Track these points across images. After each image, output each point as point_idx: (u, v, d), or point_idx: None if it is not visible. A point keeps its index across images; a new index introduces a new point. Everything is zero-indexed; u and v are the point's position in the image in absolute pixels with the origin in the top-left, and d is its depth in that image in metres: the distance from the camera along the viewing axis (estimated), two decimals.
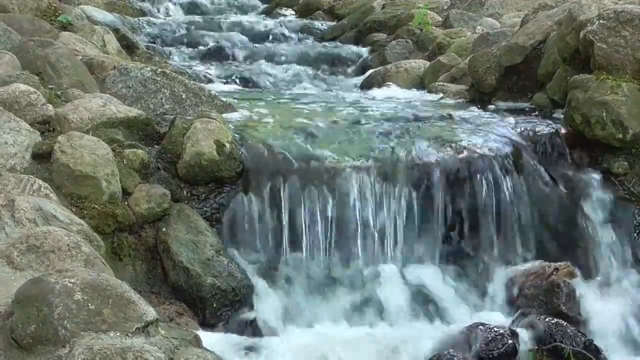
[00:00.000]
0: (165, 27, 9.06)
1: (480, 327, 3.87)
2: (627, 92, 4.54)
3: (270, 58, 8.30)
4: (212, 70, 7.60)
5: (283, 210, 4.23)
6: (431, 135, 4.70)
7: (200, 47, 8.50)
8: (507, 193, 4.49)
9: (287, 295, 4.09)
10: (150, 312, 2.70)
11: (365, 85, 7.16)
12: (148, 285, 3.96)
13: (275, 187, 4.26)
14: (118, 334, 2.57)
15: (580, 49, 4.91)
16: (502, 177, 4.51)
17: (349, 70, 8.32)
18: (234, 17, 10.50)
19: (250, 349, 3.69)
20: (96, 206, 3.89)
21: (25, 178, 3.70)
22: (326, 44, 9.06)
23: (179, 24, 9.37)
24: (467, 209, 4.46)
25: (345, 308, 4.11)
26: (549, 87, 5.30)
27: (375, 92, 6.57)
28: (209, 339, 3.41)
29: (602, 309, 4.21)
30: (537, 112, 5.27)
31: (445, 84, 6.42)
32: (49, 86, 4.71)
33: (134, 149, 4.23)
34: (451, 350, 3.76)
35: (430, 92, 6.37)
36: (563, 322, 3.97)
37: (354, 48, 8.73)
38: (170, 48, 8.38)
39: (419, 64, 7.14)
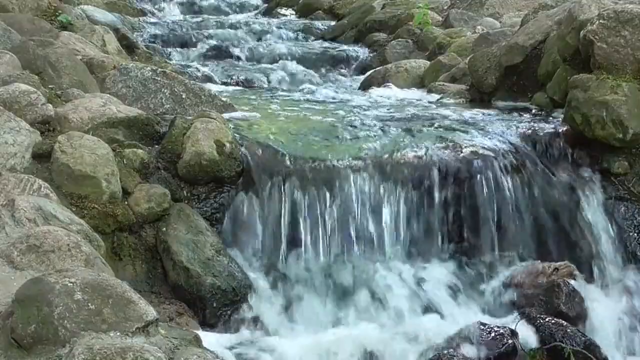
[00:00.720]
0: (165, 27, 9.06)
1: (480, 326, 3.87)
2: (627, 91, 4.53)
3: (270, 58, 8.31)
4: (212, 70, 7.60)
5: (283, 210, 4.23)
6: (431, 135, 4.70)
7: (201, 47, 8.50)
8: (507, 193, 4.49)
9: (287, 295, 4.09)
10: (150, 312, 2.70)
11: (365, 85, 7.16)
12: (148, 285, 3.96)
13: (275, 187, 4.25)
14: (118, 333, 2.57)
15: (581, 49, 4.91)
16: (502, 176, 4.51)
17: (349, 70, 8.32)
18: (234, 17, 10.52)
19: (250, 348, 3.69)
20: (96, 206, 3.89)
21: (25, 178, 3.70)
22: (326, 43, 9.07)
23: (179, 23, 9.38)
24: (467, 209, 4.46)
25: (345, 307, 4.11)
26: (549, 86, 5.30)
27: (375, 91, 6.57)
28: (209, 338, 3.41)
29: (602, 308, 4.21)
30: (537, 112, 5.28)
31: (445, 83, 6.42)
32: (49, 86, 4.71)
33: (134, 149, 4.23)
34: (451, 350, 3.76)
35: (430, 91, 6.37)
36: (563, 321, 3.97)
37: (354, 48, 8.74)
38: (170, 48, 8.39)
39: (419, 64, 7.15)
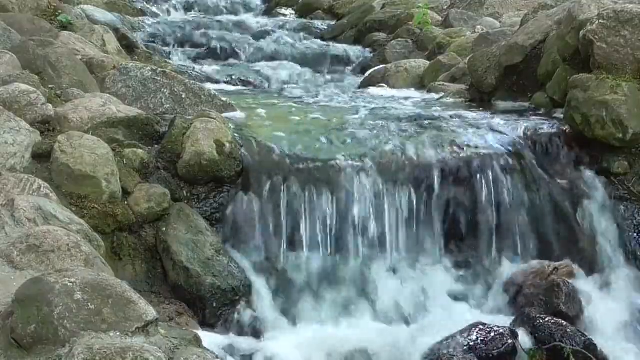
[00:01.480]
0: (165, 27, 9.06)
1: (480, 326, 3.87)
2: (627, 91, 4.54)
3: (270, 57, 8.31)
4: (212, 69, 7.60)
5: (283, 210, 4.23)
6: (431, 135, 4.70)
7: (200, 47, 8.50)
8: (507, 192, 4.49)
9: (287, 295, 4.09)
10: (150, 312, 2.70)
11: (365, 85, 7.16)
12: (148, 284, 3.96)
13: (275, 187, 4.26)
14: (118, 333, 2.57)
15: (580, 49, 4.91)
16: (502, 176, 4.51)
17: (349, 69, 8.33)
18: (234, 17, 10.51)
19: (250, 348, 3.70)
20: (96, 206, 3.89)
21: (25, 178, 3.70)
22: (326, 43, 9.07)
23: (179, 23, 9.38)
24: (467, 209, 4.46)
25: (345, 307, 4.11)
26: (548, 86, 5.30)
27: (375, 91, 6.57)
28: (209, 338, 3.41)
29: (602, 308, 4.21)
30: (537, 112, 5.27)
31: (445, 83, 6.42)
32: (49, 86, 4.71)
33: (134, 149, 4.23)
34: (451, 350, 3.76)
35: (430, 91, 6.37)
36: (563, 321, 3.97)
37: (353, 48, 8.74)
38: (170, 48, 8.39)
39: (419, 64, 7.15)
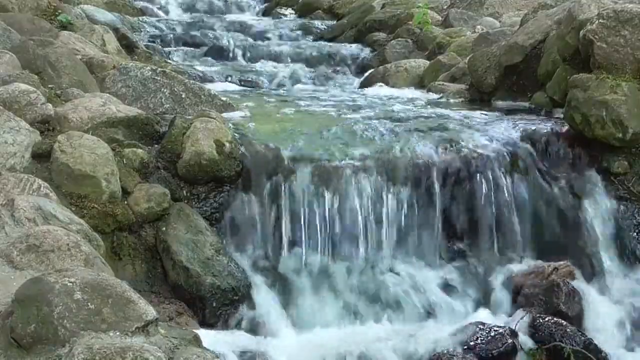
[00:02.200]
0: (165, 27, 9.06)
1: (480, 326, 3.87)
2: (627, 91, 4.53)
3: (270, 57, 8.31)
4: (212, 69, 7.60)
5: (283, 210, 4.23)
6: (431, 135, 4.70)
7: (200, 47, 8.50)
8: (506, 192, 4.49)
9: (286, 295, 4.09)
10: (150, 312, 2.70)
11: (365, 85, 7.16)
12: (148, 284, 3.96)
13: (274, 187, 4.26)
14: (118, 333, 2.56)
15: (580, 49, 4.91)
16: (502, 176, 4.51)
17: (349, 69, 8.32)
18: (234, 17, 10.51)
19: (250, 348, 3.69)
20: (96, 205, 3.89)
21: (25, 177, 3.70)
22: (326, 43, 9.07)
23: (179, 23, 9.38)
24: (466, 209, 4.46)
25: (345, 307, 4.11)
26: (548, 86, 5.30)
27: (375, 91, 6.57)
28: (209, 338, 3.41)
29: (601, 308, 4.21)
30: (536, 112, 5.28)
31: (445, 83, 6.42)
32: (49, 85, 4.71)
33: (134, 149, 4.23)
34: (451, 349, 3.76)
35: (430, 91, 6.37)
36: (563, 321, 3.97)
37: (353, 47, 8.74)
38: (170, 47, 8.38)
39: (418, 64, 7.15)
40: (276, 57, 8.31)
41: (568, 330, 3.91)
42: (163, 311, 3.72)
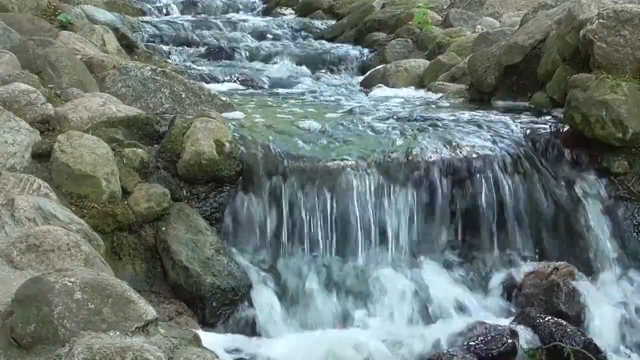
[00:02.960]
0: (165, 26, 9.06)
1: (480, 326, 3.87)
2: (626, 91, 4.53)
3: (270, 57, 8.31)
4: (212, 69, 7.60)
5: (283, 210, 4.23)
6: (431, 135, 4.70)
7: (200, 46, 8.50)
8: (507, 192, 4.49)
9: (286, 295, 4.09)
10: (150, 312, 2.70)
11: (365, 85, 7.16)
12: (148, 284, 3.96)
13: (275, 187, 4.26)
14: (118, 333, 2.56)
15: (580, 48, 4.91)
16: (502, 176, 4.51)
17: (349, 69, 8.32)
18: (234, 16, 10.52)
19: (249, 348, 3.70)
20: (96, 205, 3.89)
21: (25, 177, 3.69)
22: (326, 43, 9.07)
23: (179, 23, 9.38)
24: (467, 209, 4.46)
25: (345, 307, 4.11)
26: (548, 86, 5.30)
27: (375, 91, 6.57)
28: (209, 338, 3.41)
29: (601, 308, 4.21)
30: (536, 112, 5.27)
31: (445, 83, 6.42)
32: (49, 85, 4.71)
33: (134, 148, 4.23)
34: (451, 349, 3.76)
35: (430, 91, 6.37)
36: (563, 321, 3.97)
37: (353, 47, 8.74)
38: (170, 47, 8.38)
39: (418, 63, 7.14)
40: (276, 57, 8.30)
41: (568, 330, 3.90)
42: (163, 311, 3.72)
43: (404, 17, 8.77)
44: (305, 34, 9.58)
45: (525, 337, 3.90)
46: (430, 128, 4.85)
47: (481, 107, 5.54)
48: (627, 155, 4.65)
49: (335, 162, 4.37)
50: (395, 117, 5.13)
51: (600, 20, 4.70)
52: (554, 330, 3.89)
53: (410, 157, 4.47)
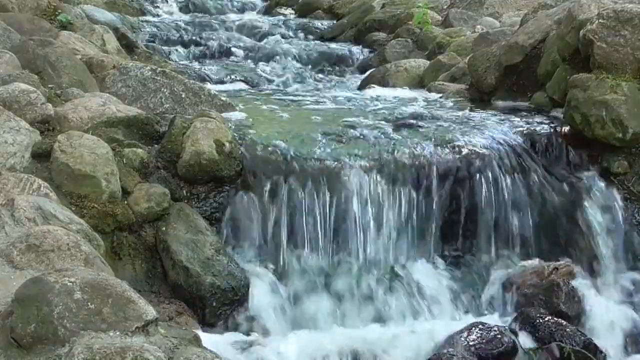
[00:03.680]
0: (165, 26, 9.06)
1: (480, 326, 3.87)
2: (626, 91, 4.54)
3: (270, 57, 8.31)
4: (212, 69, 7.60)
5: (283, 210, 4.23)
6: (431, 135, 4.70)
7: (200, 46, 8.50)
8: (506, 192, 4.49)
9: (286, 295, 4.09)
10: (150, 312, 2.70)
11: (365, 85, 7.16)
12: (148, 284, 3.96)
13: (274, 187, 4.25)
14: (118, 333, 2.57)
15: (580, 48, 4.91)
16: (502, 176, 4.51)
17: (349, 69, 8.32)
18: (234, 16, 10.51)
19: (249, 348, 3.69)
20: (96, 205, 3.89)
21: (25, 177, 3.70)
22: (326, 43, 9.07)
23: (179, 23, 9.38)
24: (466, 209, 4.46)
25: (345, 307, 4.11)
26: (548, 86, 5.30)
27: (375, 91, 6.56)
28: (209, 338, 3.41)
29: (601, 308, 4.21)
30: (536, 112, 5.27)
31: (445, 83, 6.42)
32: (49, 85, 4.71)
33: (134, 148, 4.23)
34: (451, 349, 3.76)
35: (429, 91, 6.36)
36: (562, 321, 3.97)
37: (353, 47, 8.73)
38: (170, 47, 8.38)
39: (418, 63, 7.14)
40: (276, 57, 8.30)
41: (568, 330, 3.91)
42: (163, 311, 3.72)
43: (404, 17, 8.77)
44: (305, 33, 9.58)
45: (525, 337, 3.90)
46: (430, 128, 4.85)
47: (481, 107, 5.53)
48: (627, 155, 4.65)
49: (335, 162, 4.37)
50: (395, 117, 5.14)
51: (600, 20, 4.70)
52: (553, 330, 3.90)
53: (409, 157, 4.47)
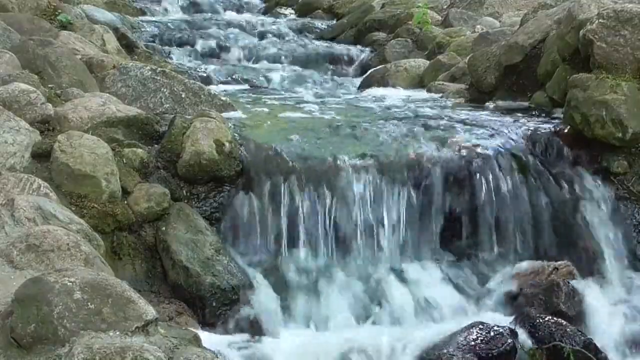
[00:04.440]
0: (164, 26, 9.06)
1: (480, 326, 3.87)
2: (626, 91, 4.54)
3: (270, 57, 8.31)
4: (212, 69, 7.60)
5: (282, 210, 4.23)
6: (431, 135, 4.71)
7: (200, 47, 8.49)
8: (506, 192, 4.49)
9: (286, 294, 4.09)
10: (150, 311, 2.70)
11: (365, 85, 7.16)
12: (147, 284, 3.96)
13: (274, 187, 4.25)
14: (117, 333, 2.57)
15: (580, 48, 4.91)
16: (502, 176, 4.51)
17: (349, 69, 8.32)
18: (234, 16, 10.51)
19: (249, 348, 3.69)
20: (96, 205, 3.89)
21: (25, 177, 3.70)
22: (326, 43, 9.07)
23: (179, 23, 9.38)
24: (466, 209, 4.46)
25: (345, 307, 4.11)
26: (548, 86, 5.30)
27: (375, 91, 6.57)
28: (209, 338, 3.41)
29: (601, 308, 4.21)
30: (536, 112, 5.28)
31: (444, 83, 6.42)
32: (49, 85, 4.72)
33: (134, 148, 4.23)
34: (451, 349, 3.76)
35: (429, 91, 6.37)
36: (562, 321, 3.97)
37: (353, 47, 8.73)
38: (170, 47, 8.38)
39: (418, 63, 7.15)
40: (276, 57, 8.31)
41: (568, 330, 3.90)
42: (163, 311, 3.72)
43: (404, 17, 8.77)
44: (305, 33, 9.58)
45: (525, 337, 3.90)
46: (430, 128, 4.85)
47: (481, 107, 5.53)
48: (627, 155, 4.65)
49: (335, 161, 4.37)
50: (394, 116, 5.14)
51: (600, 20, 4.70)
52: (554, 330, 3.89)
53: (409, 157, 4.47)
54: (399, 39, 8.32)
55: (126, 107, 4.59)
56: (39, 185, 3.66)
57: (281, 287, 4.11)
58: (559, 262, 4.36)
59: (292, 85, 7.47)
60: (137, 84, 5.11)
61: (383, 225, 4.33)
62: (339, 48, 8.70)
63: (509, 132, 4.79)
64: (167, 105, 5.04)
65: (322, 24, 10.00)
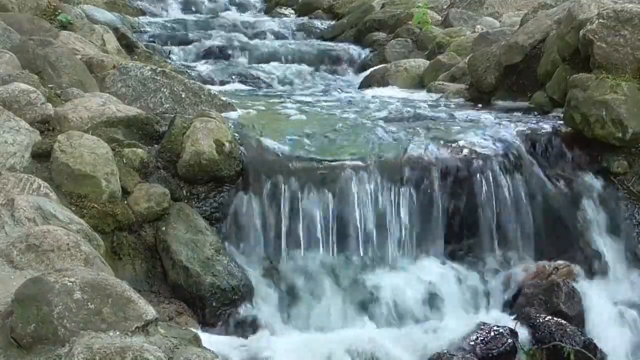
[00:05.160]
0: (164, 26, 9.06)
1: (480, 326, 3.87)
2: (626, 91, 4.54)
3: (270, 57, 8.30)
4: (212, 69, 7.60)
5: (283, 210, 4.23)
6: (431, 135, 4.70)
7: (200, 46, 8.49)
8: (506, 192, 4.49)
9: (286, 294, 4.09)
10: (150, 311, 2.70)
11: (365, 85, 7.16)
12: (147, 284, 3.96)
13: (274, 186, 4.25)
14: (117, 333, 2.57)
15: (580, 48, 4.91)
16: (502, 176, 4.51)
17: (349, 69, 8.32)
18: (234, 16, 10.51)
19: (249, 348, 3.69)
20: (96, 205, 3.89)
21: (25, 177, 3.70)
22: (326, 43, 9.07)
23: (179, 22, 9.38)
24: (467, 209, 4.46)
25: (345, 307, 4.11)
26: (548, 86, 5.30)
27: (375, 91, 6.57)
28: (209, 338, 3.41)
29: (601, 308, 4.21)
30: (536, 112, 5.28)
31: (444, 83, 6.42)
32: (49, 85, 4.71)
33: (134, 148, 4.23)
34: (451, 349, 3.76)
35: (429, 91, 6.37)
36: (563, 321, 3.97)
37: (353, 47, 8.73)
38: (170, 47, 8.38)
39: (418, 63, 7.15)
40: (276, 57, 8.30)
41: (568, 330, 3.91)
42: (163, 311, 3.72)
43: (404, 17, 8.77)
44: (305, 33, 9.58)
45: (525, 337, 3.90)
46: (430, 128, 4.85)
47: (481, 107, 5.54)
48: (627, 155, 4.65)
49: (335, 161, 4.37)
50: (394, 116, 5.14)
51: (600, 20, 4.70)
52: (554, 330, 3.90)
53: (409, 157, 4.47)
54: (399, 39, 8.32)
55: (126, 107, 4.59)
56: (39, 185, 3.66)
57: (281, 287, 4.11)
58: (559, 262, 4.36)
59: (292, 85, 7.47)
60: (137, 84, 5.11)
61: (383, 225, 4.32)
62: (339, 48, 8.70)
63: (509, 132, 4.79)
64: (167, 105, 5.04)
65: (322, 24, 10.00)
